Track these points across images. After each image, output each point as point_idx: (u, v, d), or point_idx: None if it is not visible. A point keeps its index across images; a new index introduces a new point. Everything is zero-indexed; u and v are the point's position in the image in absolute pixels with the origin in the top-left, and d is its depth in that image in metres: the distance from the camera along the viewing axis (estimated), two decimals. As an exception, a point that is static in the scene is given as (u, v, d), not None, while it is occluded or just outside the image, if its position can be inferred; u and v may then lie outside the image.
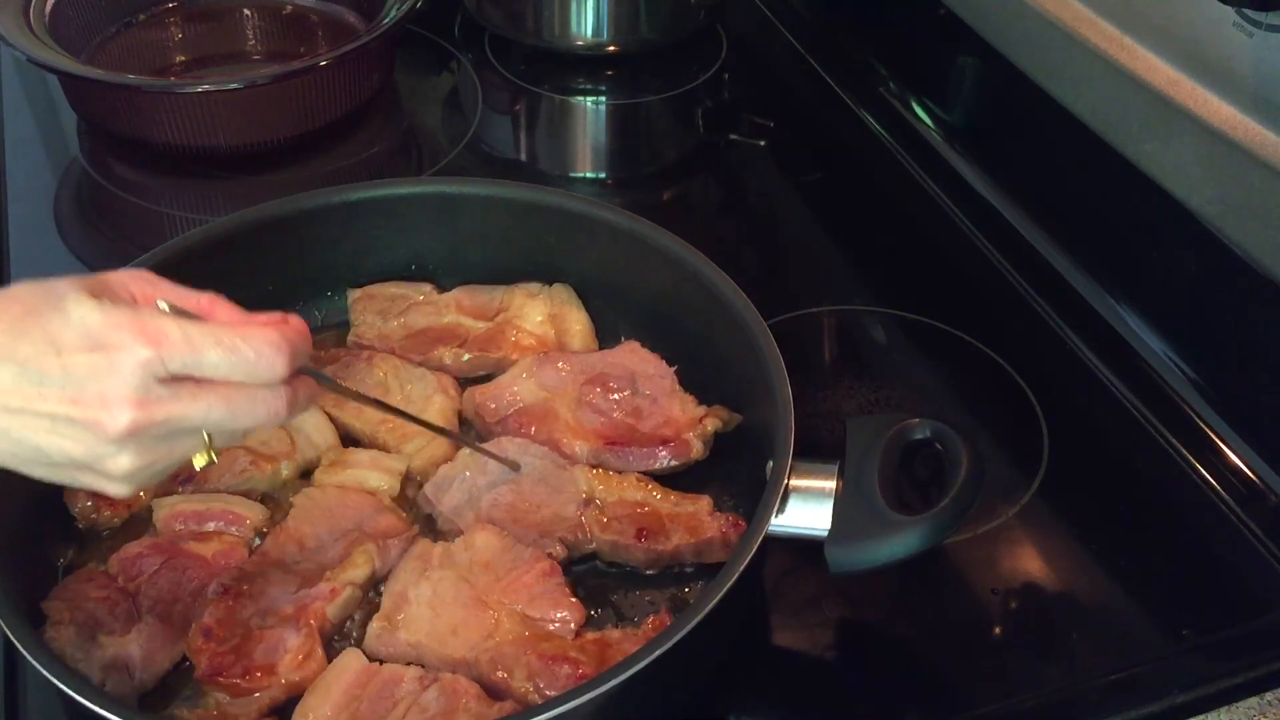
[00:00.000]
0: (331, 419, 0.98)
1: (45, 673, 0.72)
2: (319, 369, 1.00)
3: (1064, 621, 0.88)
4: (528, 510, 0.90)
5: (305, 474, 0.96)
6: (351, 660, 0.81)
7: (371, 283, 1.08)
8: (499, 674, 0.80)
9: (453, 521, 0.90)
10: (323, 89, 1.28)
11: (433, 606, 0.84)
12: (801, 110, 1.43)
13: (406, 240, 1.07)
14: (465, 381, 1.03)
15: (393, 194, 1.06)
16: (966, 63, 1.28)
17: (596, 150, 1.45)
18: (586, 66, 1.47)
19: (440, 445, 0.96)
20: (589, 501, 0.90)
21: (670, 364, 0.99)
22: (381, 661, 0.82)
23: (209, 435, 0.69)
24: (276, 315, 0.71)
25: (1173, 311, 1.06)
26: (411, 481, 0.95)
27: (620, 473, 0.93)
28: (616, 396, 0.97)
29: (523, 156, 1.41)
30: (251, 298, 1.02)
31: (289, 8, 1.46)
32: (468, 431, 0.99)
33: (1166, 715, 0.83)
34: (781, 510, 0.79)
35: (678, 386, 0.98)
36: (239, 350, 0.67)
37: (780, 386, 0.85)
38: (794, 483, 0.80)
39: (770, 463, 0.82)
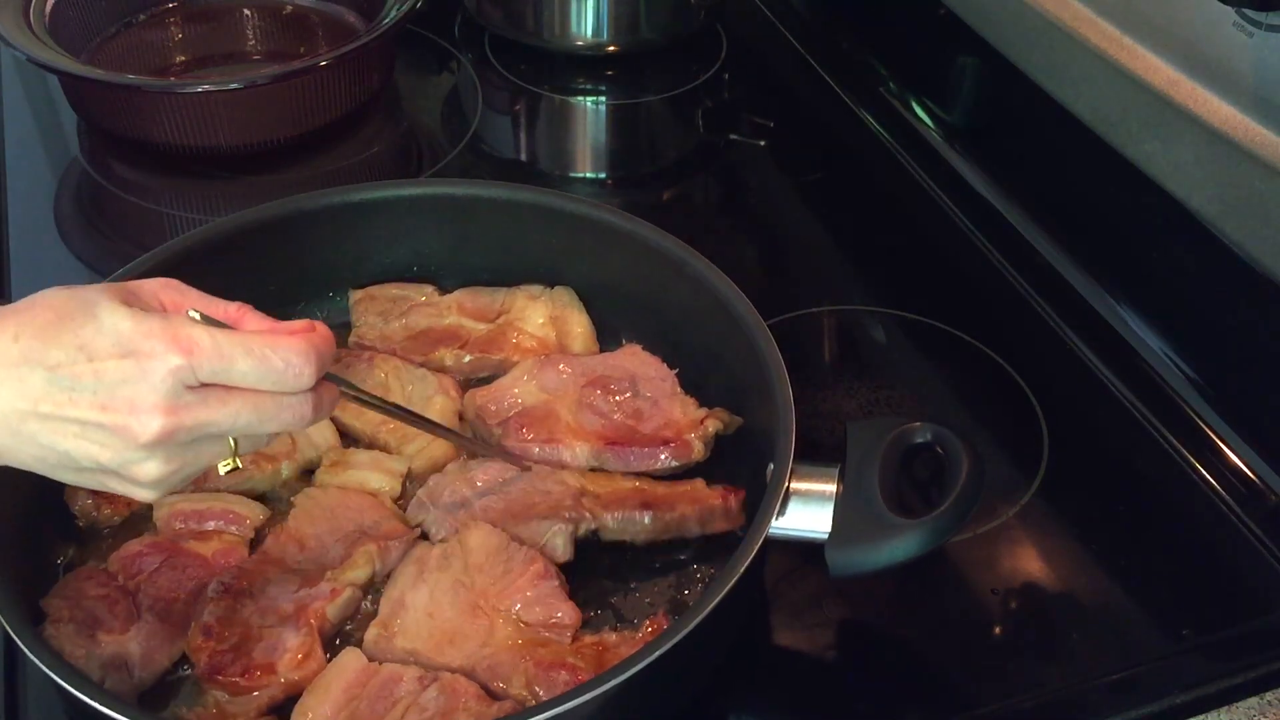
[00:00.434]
0: (331, 419, 0.98)
1: (47, 670, 0.72)
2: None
3: (1064, 621, 0.88)
4: (523, 510, 0.90)
5: (306, 474, 0.96)
6: (351, 660, 0.81)
7: (373, 284, 1.08)
8: (497, 684, 0.80)
9: (446, 527, 0.90)
10: (323, 89, 1.28)
11: (429, 613, 0.84)
12: (801, 110, 1.43)
13: (408, 241, 1.07)
14: (467, 383, 1.03)
15: (394, 195, 1.06)
16: (966, 63, 1.28)
17: (596, 150, 1.45)
18: (586, 66, 1.47)
19: (441, 446, 0.96)
20: (583, 493, 0.91)
21: (671, 366, 0.99)
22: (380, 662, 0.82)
23: (235, 441, 0.70)
24: (304, 323, 0.72)
25: (1173, 311, 1.06)
26: (412, 482, 0.95)
27: (615, 474, 0.93)
28: (617, 398, 0.97)
29: (523, 157, 1.41)
30: (253, 298, 1.02)
31: (289, 8, 1.46)
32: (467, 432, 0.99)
33: (1166, 715, 0.83)
34: (782, 513, 0.79)
35: (678, 389, 0.98)
36: (268, 359, 0.68)
37: (781, 389, 0.85)
38: (795, 486, 0.80)
39: (771, 465, 0.82)
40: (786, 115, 1.41)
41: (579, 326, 1.04)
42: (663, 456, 0.94)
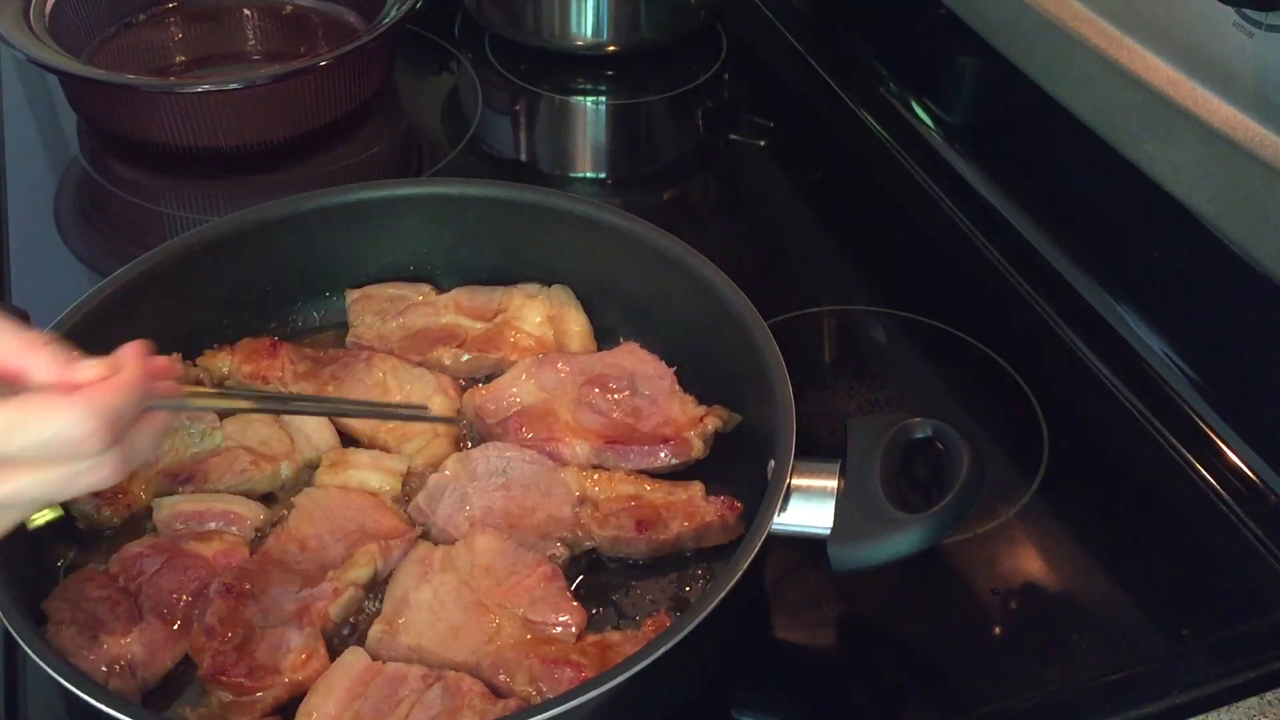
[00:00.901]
0: (330, 419, 0.98)
1: (53, 674, 0.72)
2: (316, 365, 1.00)
3: (1064, 621, 0.88)
4: (522, 515, 0.90)
5: (305, 474, 0.96)
6: (355, 659, 0.81)
7: (370, 283, 1.08)
8: (501, 677, 0.80)
9: (448, 532, 0.90)
10: (322, 89, 1.28)
11: (433, 610, 0.84)
12: (801, 110, 1.43)
13: (405, 241, 1.07)
14: (466, 382, 1.03)
15: (390, 195, 1.06)
16: (966, 63, 1.28)
17: (596, 150, 1.45)
18: (586, 66, 1.47)
19: (441, 445, 0.96)
20: (583, 500, 0.91)
21: (669, 364, 0.99)
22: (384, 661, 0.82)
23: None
24: (99, 368, 0.63)
25: (1173, 311, 1.06)
26: (412, 481, 0.95)
27: (612, 470, 0.93)
28: (616, 397, 0.97)
29: (523, 156, 1.41)
30: (250, 298, 1.04)
31: (289, 8, 1.45)
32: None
33: (1166, 715, 0.83)
34: (784, 509, 0.79)
35: (677, 387, 0.98)
36: (38, 433, 0.60)
37: (780, 386, 0.85)
38: (796, 482, 0.80)
39: (771, 462, 0.82)
40: (786, 115, 1.41)
41: (576, 325, 1.04)
42: (663, 454, 0.94)
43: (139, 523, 0.92)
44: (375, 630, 0.83)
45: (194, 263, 0.99)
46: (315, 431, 0.96)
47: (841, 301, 1.15)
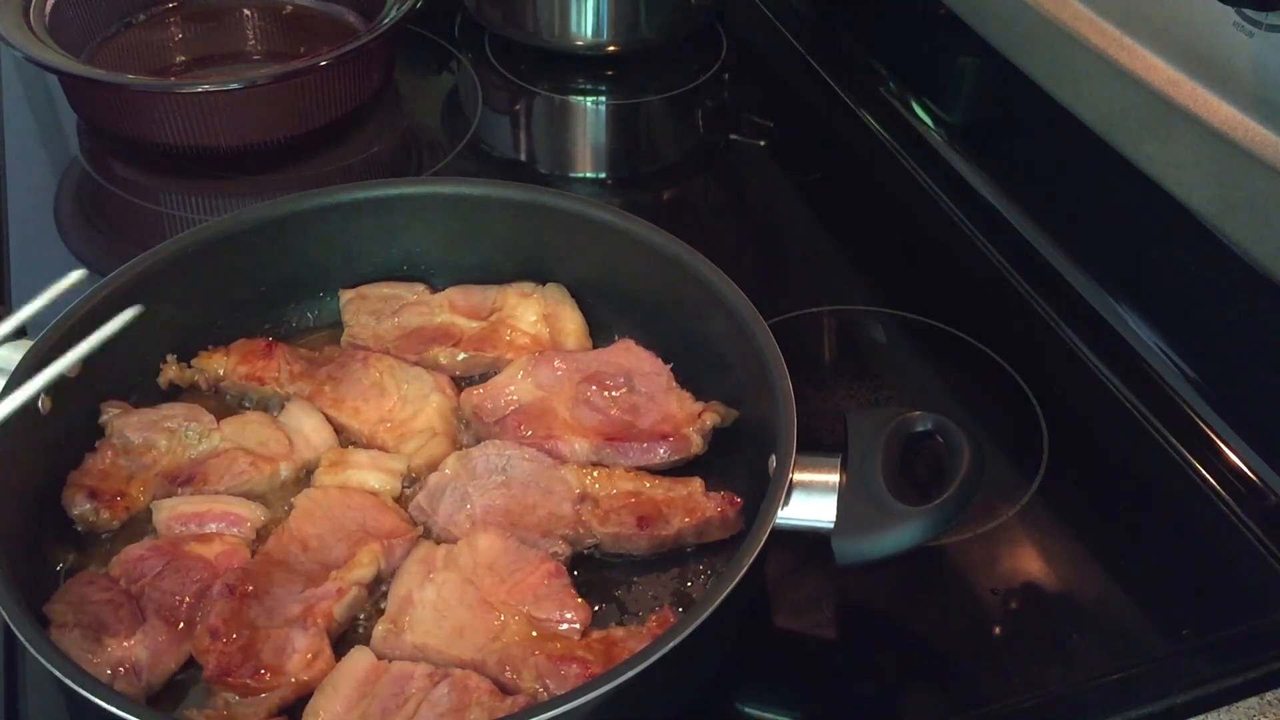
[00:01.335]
0: (329, 419, 0.98)
1: (63, 678, 0.71)
2: (316, 367, 1.00)
3: (1064, 621, 0.88)
4: (523, 512, 0.91)
5: (305, 475, 0.96)
6: (360, 658, 0.81)
7: (364, 283, 1.07)
8: (507, 674, 0.80)
9: (449, 531, 0.90)
10: (323, 89, 1.28)
11: (438, 609, 0.84)
12: (801, 110, 1.43)
13: (399, 240, 1.07)
14: (463, 382, 1.03)
15: (384, 195, 1.05)
16: (966, 63, 1.28)
17: (596, 150, 1.45)
18: (586, 66, 1.47)
19: (439, 444, 0.96)
20: (583, 498, 0.91)
21: (666, 361, 0.99)
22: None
23: None
24: None
25: (1173, 311, 1.06)
26: (411, 480, 0.95)
27: (611, 467, 0.93)
28: (613, 394, 0.98)
29: (523, 156, 1.42)
30: (245, 298, 1.04)
31: (289, 8, 1.45)
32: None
33: (1166, 715, 0.83)
34: (786, 504, 0.79)
35: (674, 383, 0.98)
36: None
37: (780, 381, 0.85)
38: (798, 476, 0.80)
39: (772, 457, 0.82)
40: (786, 115, 1.41)
41: (572, 323, 1.04)
42: (662, 451, 0.94)
43: (137, 525, 0.91)
44: (380, 629, 0.83)
45: (188, 264, 0.98)
46: (314, 432, 0.96)
47: (841, 301, 1.15)
